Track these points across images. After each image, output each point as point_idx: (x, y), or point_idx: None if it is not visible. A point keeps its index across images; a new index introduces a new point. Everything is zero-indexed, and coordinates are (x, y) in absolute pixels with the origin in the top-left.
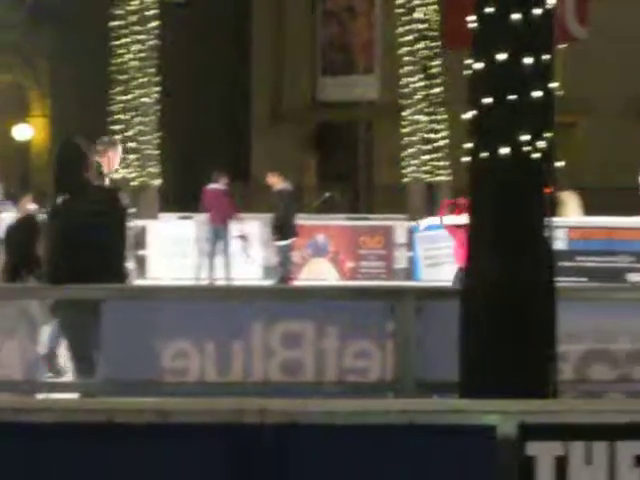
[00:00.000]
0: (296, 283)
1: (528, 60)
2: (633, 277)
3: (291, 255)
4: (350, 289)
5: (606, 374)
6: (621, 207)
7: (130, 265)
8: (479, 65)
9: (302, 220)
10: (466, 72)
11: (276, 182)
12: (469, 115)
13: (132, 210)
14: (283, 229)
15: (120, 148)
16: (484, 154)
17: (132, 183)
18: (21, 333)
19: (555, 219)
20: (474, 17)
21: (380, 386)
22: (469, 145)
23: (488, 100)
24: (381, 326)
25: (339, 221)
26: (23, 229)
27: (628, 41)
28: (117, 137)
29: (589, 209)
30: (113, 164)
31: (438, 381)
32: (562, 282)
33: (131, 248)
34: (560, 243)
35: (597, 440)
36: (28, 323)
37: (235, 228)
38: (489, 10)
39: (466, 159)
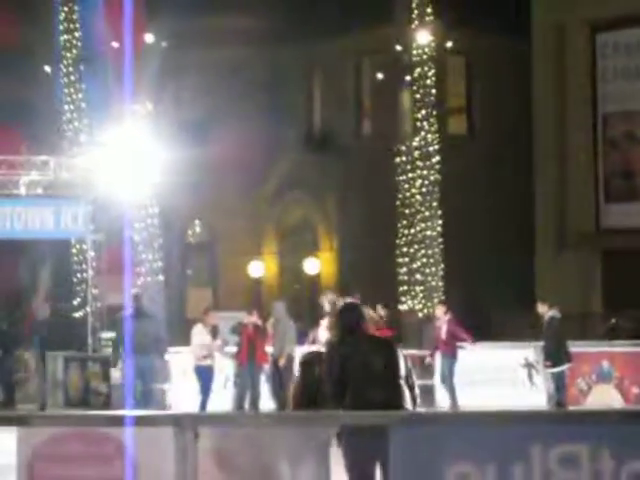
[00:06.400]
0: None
1: None
2: None
3: (565, 381)
4: (626, 412)
5: None
6: None
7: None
8: None
9: (587, 347)
10: None
11: (545, 310)
12: None
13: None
14: (555, 356)
15: None
16: None
17: (419, 314)
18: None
19: None
20: None
21: None
22: None
23: None
24: None
25: (625, 347)
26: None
27: None
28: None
29: None
30: None
31: None
32: None
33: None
34: None
35: None
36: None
37: (520, 355)
38: None
39: None
